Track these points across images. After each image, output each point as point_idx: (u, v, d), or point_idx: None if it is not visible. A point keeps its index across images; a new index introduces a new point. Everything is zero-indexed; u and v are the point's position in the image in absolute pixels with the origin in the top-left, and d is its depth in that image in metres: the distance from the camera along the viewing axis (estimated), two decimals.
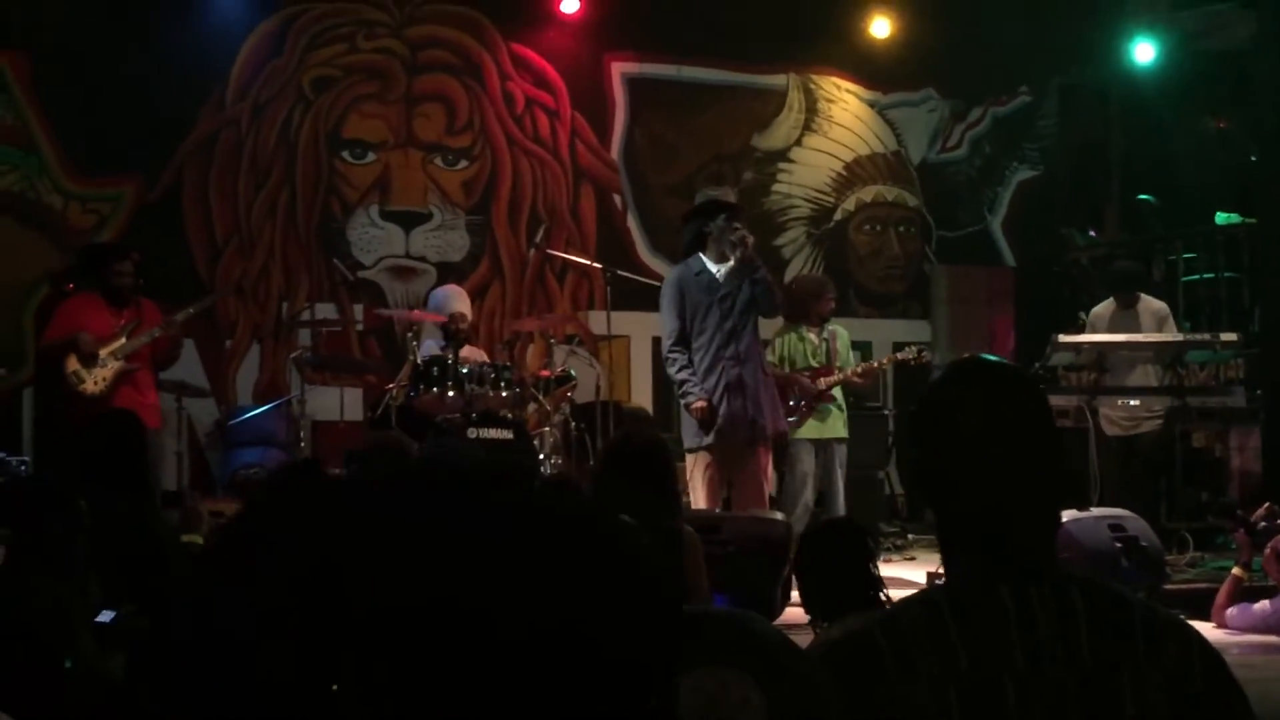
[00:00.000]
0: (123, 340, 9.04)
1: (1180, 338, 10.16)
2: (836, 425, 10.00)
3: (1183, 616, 7.26)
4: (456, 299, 10.39)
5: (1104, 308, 10.62)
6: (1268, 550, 7.99)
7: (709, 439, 8.31)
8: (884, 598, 4.31)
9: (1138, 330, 10.17)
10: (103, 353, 8.95)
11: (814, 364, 10.01)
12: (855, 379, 10.14)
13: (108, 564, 4.42)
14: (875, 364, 10.48)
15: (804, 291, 10.41)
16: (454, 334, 10.10)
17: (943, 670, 1.91)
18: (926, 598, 2.02)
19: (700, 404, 8.29)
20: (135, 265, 9.30)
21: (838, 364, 10.06)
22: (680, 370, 8.40)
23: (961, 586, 2.03)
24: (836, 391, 10.01)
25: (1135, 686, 1.90)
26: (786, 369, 9.91)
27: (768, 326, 9.01)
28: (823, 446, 9.95)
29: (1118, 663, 1.92)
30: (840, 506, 9.83)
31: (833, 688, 1.95)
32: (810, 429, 9.92)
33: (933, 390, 2.13)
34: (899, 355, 10.58)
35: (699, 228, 8.56)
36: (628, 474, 5.26)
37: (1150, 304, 10.54)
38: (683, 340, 8.42)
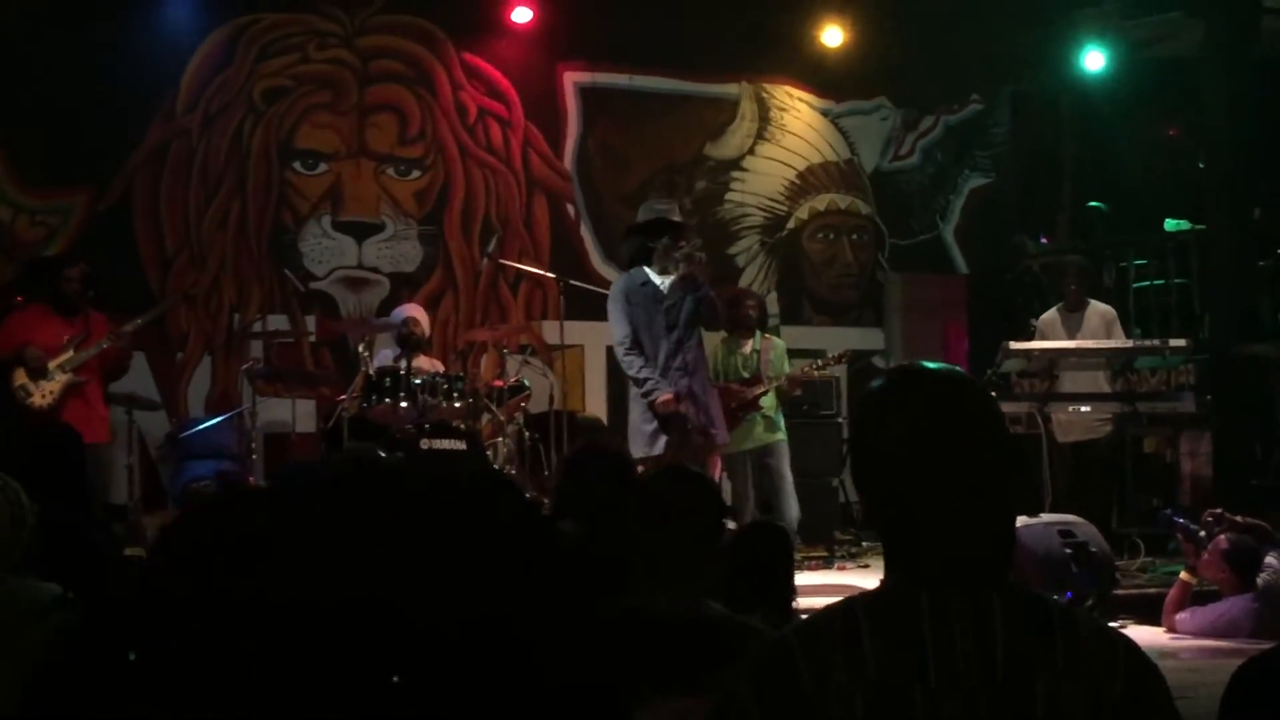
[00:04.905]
0: (70, 353, 8.98)
1: (1130, 344, 10.23)
2: (758, 433, 10.01)
3: (1132, 622, 7.26)
4: (412, 309, 10.45)
5: (1051, 314, 10.67)
6: (1205, 555, 8.06)
7: (659, 448, 8.28)
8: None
9: (1087, 334, 10.23)
10: (50, 365, 8.89)
11: (745, 375, 10.04)
12: (784, 386, 10.16)
13: (45, 575, 4.37)
14: (801, 371, 10.47)
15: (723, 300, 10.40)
16: (407, 338, 10.10)
17: (851, 679, 1.90)
18: (846, 606, 2.00)
19: (667, 397, 8.27)
20: (84, 275, 9.24)
21: (769, 374, 10.07)
22: (640, 370, 8.38)
23: (882, 595, 2.02)
24: (767, 400, 10.02)
25: (1049, 697, 1.89)
26: (721, 381, 9.93)
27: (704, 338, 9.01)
28: (754, 456, 9.99)
29: (1032, 673, 1.90)
30: (788, 510, 9.83)
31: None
32: (737, 440, 9.95)
33: (867, 396, 2.11)
34: (820, 362, 10.59)
35: (643, 242, 8.58)
36: (591, 485, 5.27)
37: (1098, 307, 10.59)
38: (636, 344, 8.42)
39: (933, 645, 1.91)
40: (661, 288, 8.44)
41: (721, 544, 4.88)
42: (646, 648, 3.21)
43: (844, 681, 1.89)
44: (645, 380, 8.37)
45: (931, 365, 2.11)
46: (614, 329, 8.59)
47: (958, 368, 2.17)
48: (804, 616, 2.06)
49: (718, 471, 8.77)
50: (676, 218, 8.77)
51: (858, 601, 2.01)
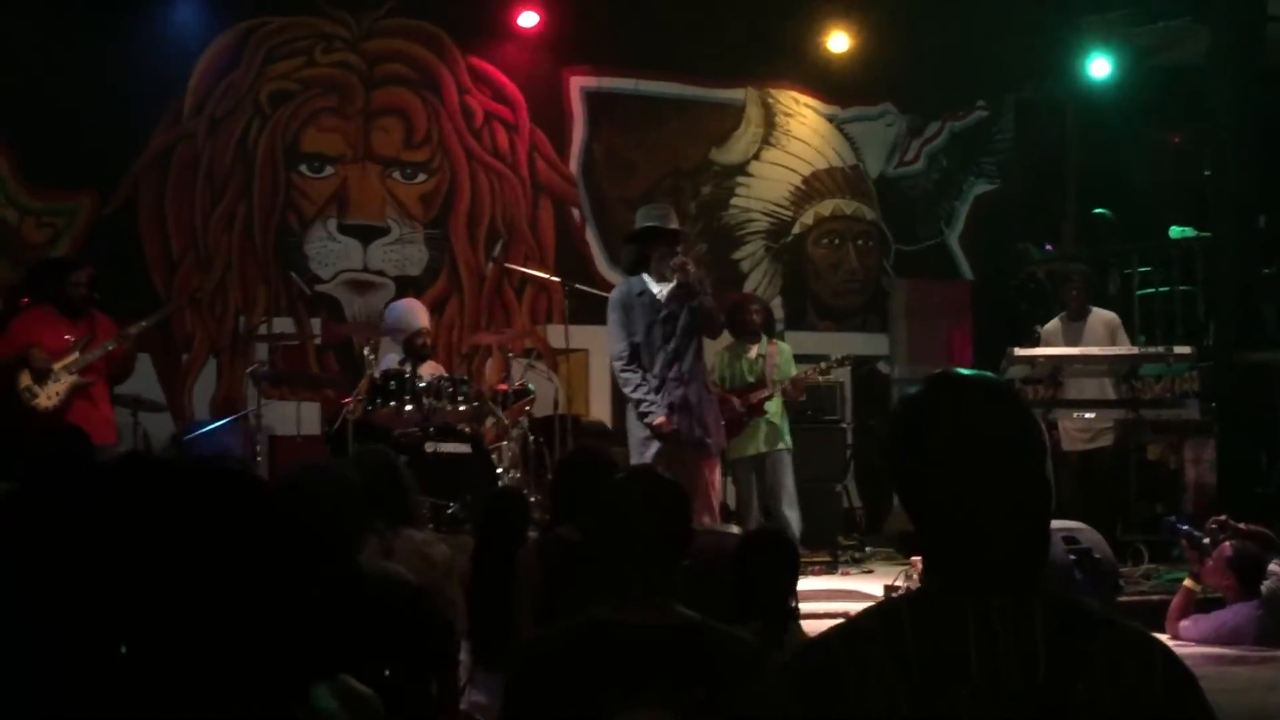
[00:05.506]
0: (76, 354, 8.98)
1: (1135, 351, 10.22)
2: (760, 440, 10.00)
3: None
4: (417, 314, 10.37)
5: (1055, 323, 10.67)
6: (1209, 562, 8.06)
7: (649, 456, 8.16)
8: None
9: (1090, 344, 10.22)
10: (56, 367, 8.89)
11: (750, 379, 10.04)
12: (787, 391, 10.14)
13: None
14: (804, 375, 10.44)
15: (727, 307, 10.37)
16: (419, 349, 10.08)
17: (895, 680, 1.91)
18: (889, 608, 2.02)
19: (661, 420, 8.20)
20: (90, 278, 9.25)
21: (775, 378, 10.07)
22: (635, 389, 8.31)
23: (925, 597, 2.04)
24: (772, 405, 10.00)
25: (1088, 702, 1.91)
26: (727, 386, 9.92)
27: (709, 345, 8.95)
28: (757, 462, 9.99)
29: (1072, 678, 1.92)
30: (785, 517, 9.82)
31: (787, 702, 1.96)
32: (741, 446, 9.94)
33: (907, 402, 2.12)
34: (823, 366, 10.58)
35: (640, 249, 8.48)
36: (581, 490, 5.26)
37: (1101, 315, 10.58)
38: (634, 359, 8.33)
39: (976, 646, 1.92)
40: (659, 296, 8.34)
41: (728, 551, 4.90)
42: (618, 659, 3.19)
43: (888, 681, 1.91)
44: (640, 401, 8.31)
45: (967, 372, 2.13)
46: (611, 342, 8.50)
47: (991, 374, 2.19)
48: (843, 619, 2.06)
49: (716, 477, 8.70)
50: (672, 224, 8.60)
51: (900, 603, 2.02)
